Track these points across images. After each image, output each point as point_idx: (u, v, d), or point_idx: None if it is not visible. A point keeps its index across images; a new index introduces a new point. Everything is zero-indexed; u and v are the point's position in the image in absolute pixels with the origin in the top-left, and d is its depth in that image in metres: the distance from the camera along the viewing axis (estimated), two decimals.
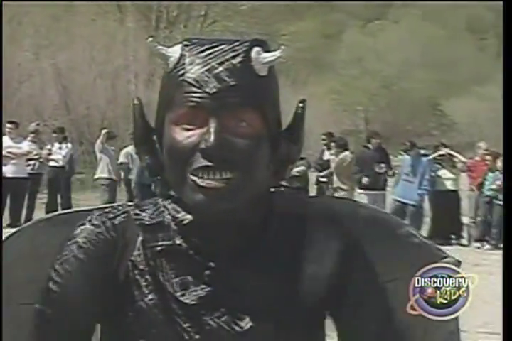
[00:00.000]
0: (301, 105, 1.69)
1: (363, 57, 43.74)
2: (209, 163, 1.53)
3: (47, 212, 17.00)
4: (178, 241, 1.64)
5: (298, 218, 1.71)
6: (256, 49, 1.58)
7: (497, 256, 14.50)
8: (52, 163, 17.82)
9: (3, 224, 16.17)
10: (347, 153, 15.92)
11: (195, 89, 1.54)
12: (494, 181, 15.70)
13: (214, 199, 1.54)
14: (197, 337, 1.64)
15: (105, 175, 17.49)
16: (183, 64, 1.57)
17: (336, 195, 15.97)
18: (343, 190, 15.91)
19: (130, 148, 17.54)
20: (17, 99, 26.69)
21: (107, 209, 1.73)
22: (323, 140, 17.66)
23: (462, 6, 50.45)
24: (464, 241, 16.18)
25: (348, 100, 37.41)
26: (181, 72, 1.57)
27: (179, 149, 1.55)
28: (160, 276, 1.65)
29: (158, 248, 1.65)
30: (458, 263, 1.92)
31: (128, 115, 29.58)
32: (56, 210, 17.21)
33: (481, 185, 16.04)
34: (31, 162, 17.37)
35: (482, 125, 34.27)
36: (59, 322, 1.67)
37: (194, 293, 1.63)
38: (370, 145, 16.28)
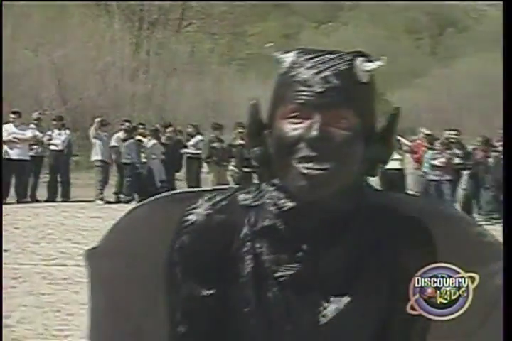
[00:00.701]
0: (394, 112, 1.69)
1: None
2: (312, 153, 1.53)
3: (48, 190, 17.34)
4: (277, 224, 1.63)
5: (385, 212, 1.68)
6: (360, 58, 1.59)
7: None
8: (52, 147, 17.70)
9: (12, 200, 16.33)
10: None
11: (304, 88, 1.55)
12: (431, 159, 15.76)
13: (313, 186, 1.53)
14: (282, 311, 1.62)
15: (99, 158, 17.61)
16: (296, 67, 1.59)
17: None
18: None
19: (120, 134, 17.61)
20: (18, 91, 26.43)
21: (215, 193, 1.73)
22: None
23: (401, 10, 50.82)
24: None
25: None
26: (293, 73, 1.58)
27: (287, 139, 1.55)
28: (259, 253, 1.64)
29: (259, 228, 1.65)
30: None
31: (115, 105, 29.64)
32: (56, 188, 17.36)
33: (421, 163, 16.09)
34: (34, 146, 17.27)
35: (420, 112, 34.46)
36: (180, 287, 1.69)
37: (286, 271, 1.61)
38: None
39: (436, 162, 15.67)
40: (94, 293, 1.93)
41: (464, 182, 16.09)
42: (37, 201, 16.85)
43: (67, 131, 18.20)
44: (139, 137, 18.14)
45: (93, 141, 17.77)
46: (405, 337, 1.70)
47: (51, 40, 30.54)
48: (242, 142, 15.51)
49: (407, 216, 1.68)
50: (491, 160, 15.37)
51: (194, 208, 1.69)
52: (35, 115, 18.15)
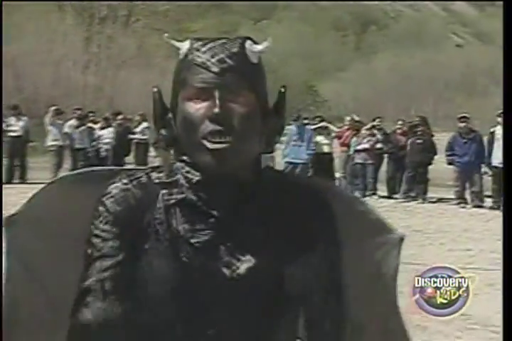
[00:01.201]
0: (282, 90, 1.69)
1: None
2: (217, 127, 1.53)
3: (6, 173, 16.92)
4: (189, 196, 1.62)
5: (283, 183, 1.71)
6: (248, 42, 1.60)
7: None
8: (11, 134, 17.41)
9: None
10: None
11: (202, 70, 1.55)
12: (356, 145, 15.87)
13: (218, 160, 1.54)
14: (199, 274, 1.61)
15: (54, 143, 17.41)
16: (193, 52, 1.58)
17: None
18: None
19: (73, 121, 17.41)
20: None
21: (131, 172, 1.71)
22: None
23: (328, 9, 50.98)
24: None
25: None
26: (191, 57, 1.58)
27: (192, 119, 1.55)
28: (174, 224, 1.62)
29: (173, 201, 1.63)
30: (402, 238, 1.90)
31: (68, 94, 29.16)
32: (13, 171, 17.06)
33: (348, 147, 16.17)
34: None
35: (346, 102, 34.65)
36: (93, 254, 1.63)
37: (201, 237, 1.61)
38: None
39: (360, 147, 15.80)
40: (9, 260, 1.88)
41: (385, 165, 16.24)
42: None
43: (25, 118, 17.90)
44: (90, 124, 18.00)
45: (48, 127, 17.56)
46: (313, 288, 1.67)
47: (7, 34, 29.95)
48: None
49: (302, 186, 1.71)
50: (408, 143, 15.50)
51: (113, 183, 1.67)
52: None
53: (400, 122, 16.35)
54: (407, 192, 15.45)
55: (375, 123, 16.26)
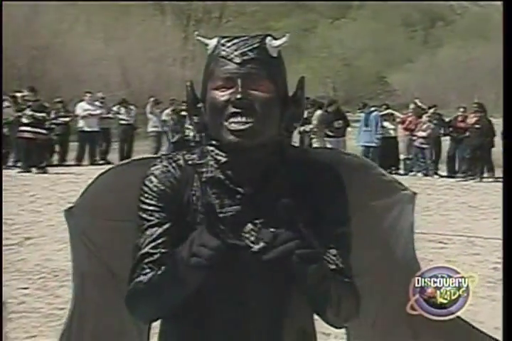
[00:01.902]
0: (301, 81, 1.69)
1: (331, 45, 43.45)
2: (237, 110, 1.54)
3: (119, 156, 17.41)
4: (217, 175, 1.63)
5: (303, 161, 1.69)
6: (268, 37, 1.61)
7: (425, 181, 14.53)
8: (122, 122, 17.96)
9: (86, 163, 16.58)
10: (320, 111, 15.77)
11: (227, 62, 1.56)
12: (418, 130, 15.59)
13: (240, 139, 1.54)
14: (229, 245, 1.57)
15: (154, 129, 17.74)
16: (219, 47, 1.59)
17: (313, 140, 16.01)
18: (317, 137, 15.82)
19: (169, 110, 17.59)
20: (94, 75, 26.61)
21: (170, 155, 1.72)
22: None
23: (398, 7, 50.08)
24: (401, 171, 15.99)
25: (320, 75, 37.05)
26: (217, 52, 1.59)
27: (217, 104, 1.56)
28: (207, 200, 1.62)
29: (204, 179, 1.64)
30: (414, 195, 1.87)
31: (168, 87, 29.55)
32: (124, 154, 17.48)
33: (411, 132, 15.88)
34: (104, 121, 17.49)
35: (412, 91, 33.95)
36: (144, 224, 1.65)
37: (229, 212, 1.60)
38: (328, 109, 15.93)
39: (420, 132, 15.52)
40: (73, 244, 1.91)
41: (447, 147, 15.91)
42: (109, 163, 16.95)
43: (133, 108, 18.37)
44: (183, 113, 18.20)
45: (149, 116, 17.91)
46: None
47: (116, 35, 30.58)
48: None
49: (320, 163, 1.69)
50: (467, 128, 15.17)
51: (154, 165, 1.68)
52: (99, 94, 18.23)
53: (461, 109, 15.96)
54: (465, 172, 15.11)
55: (432, 110, 15.94)
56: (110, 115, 17.69)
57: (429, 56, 39.12)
